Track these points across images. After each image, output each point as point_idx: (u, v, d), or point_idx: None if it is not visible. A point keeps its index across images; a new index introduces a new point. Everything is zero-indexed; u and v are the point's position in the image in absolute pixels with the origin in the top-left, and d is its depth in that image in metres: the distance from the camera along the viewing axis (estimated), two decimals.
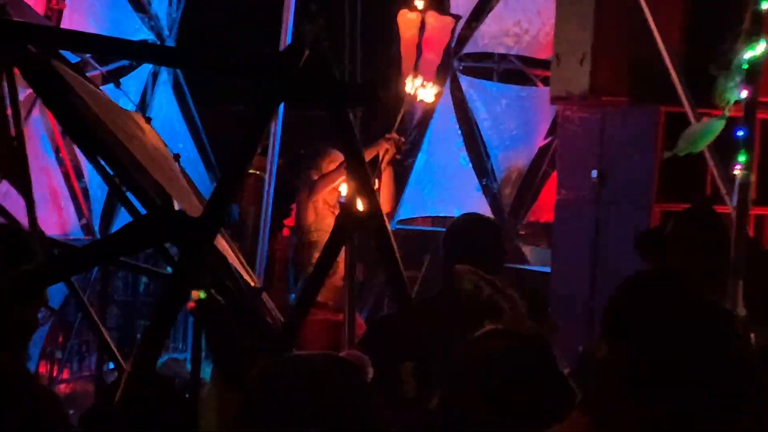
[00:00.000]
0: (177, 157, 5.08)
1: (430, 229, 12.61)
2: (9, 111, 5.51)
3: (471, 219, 5.64)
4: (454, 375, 2.64)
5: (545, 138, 12.66)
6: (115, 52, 5.59)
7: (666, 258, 4.92)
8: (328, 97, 3.20)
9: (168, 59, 5.21)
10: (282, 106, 8.76)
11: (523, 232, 12.91)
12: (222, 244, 4.52)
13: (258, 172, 10.52)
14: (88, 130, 3.68)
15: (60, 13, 10.79)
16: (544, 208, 12.35)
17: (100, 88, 5.80)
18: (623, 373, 2.27)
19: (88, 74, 6.23)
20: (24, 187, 5.75)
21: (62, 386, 11.18)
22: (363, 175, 3.38)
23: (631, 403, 2.24)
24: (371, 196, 3.43)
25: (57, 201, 10.57)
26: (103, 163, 4.09)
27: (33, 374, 2.74)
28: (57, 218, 10.50)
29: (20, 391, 2.70)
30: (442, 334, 3.46)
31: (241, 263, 4.82)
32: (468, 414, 2.58)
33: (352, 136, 3.33)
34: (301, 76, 3.09)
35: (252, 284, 4.65)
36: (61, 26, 10.57)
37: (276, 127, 9.42)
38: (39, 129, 10.31)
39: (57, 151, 10.65)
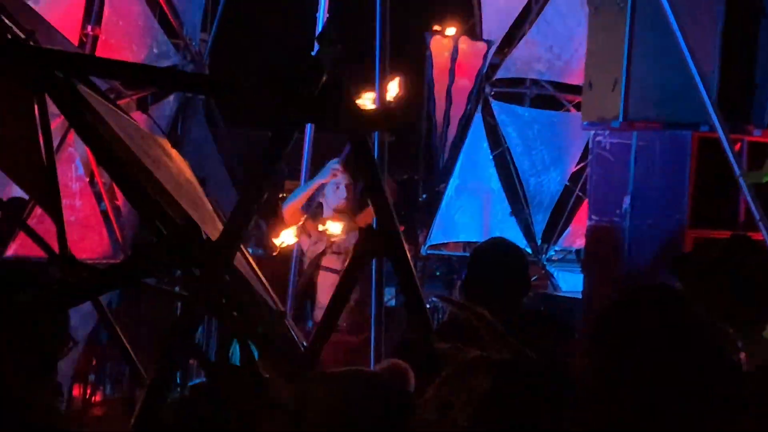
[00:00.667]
0: (203, 181, 5.10)
1: (462, 254, 12.59)
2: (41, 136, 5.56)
3: (493, 244, 5.53)
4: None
5: (578, 163, 12.64)
6: (135, 79, 5.64)
7: (704, 286, 4.77)
8: (346, 122, 3.21)
9: (188, 85, 5.23)
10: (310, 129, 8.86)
11: (555, 258, 12.88)
12: (244, 266, 4.53)
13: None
14: (113, 154, 3.71)
15: (95, 39, 10.90)
16: (577, 233, 12.31)
17: (130, 114, 5.84)
18: (599, 386, 2.25)
19: (118, 101, 6.30)
20: (55, 211, 5.78)
21: (95, 409, 11.22)
22: (382, 200, 3.39)
23: (607, 418, 2.21)
24: (391, 221, 3.43)
25: (91, 224, 10.64)
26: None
27: (55, 407, 2.76)
28: (90, 242, 10.57)
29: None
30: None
31: (264, 286, 4.83)
32: None
33: (370, 161, 3.34)
34: (318, 101, 3.10)
35: (274, 307, 4.65)
36: (96, 52, 10.69)
37: (305, 151, 9.46)
38: (73, 153, 10.40)
39: (91, 175, 10.73)
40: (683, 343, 2.24)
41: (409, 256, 3.46)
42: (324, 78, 3.16)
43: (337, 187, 9.10)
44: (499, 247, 5.39)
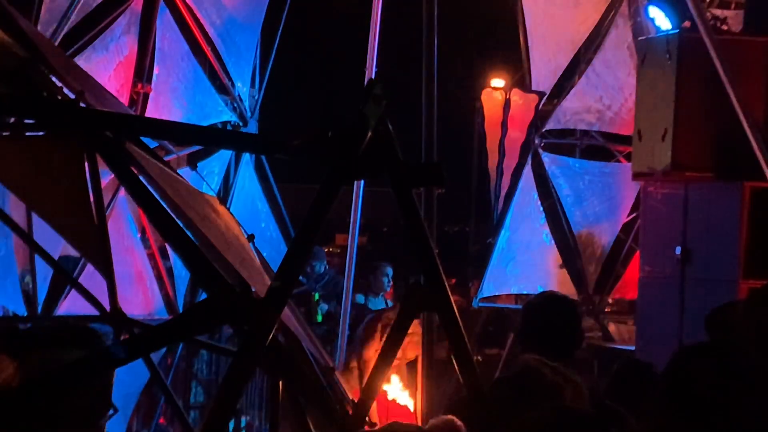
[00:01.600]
0: (251, 237, 5.12)
1: (514, 306, 12.53)
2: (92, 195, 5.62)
3: (546, 298, 5.55)
4: None
5: (629, 214, 12.57)
6: (182, 139, 5.70)
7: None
8: (391, 178, 3.21)
9: (235, 144, 5.27)
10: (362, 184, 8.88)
11: (608, 309, 12.78)
12: (293, 323, 4.54)
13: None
14: (163, 212, 3.73)
15: (146, 96, 11.03)
16: (630, 284, 12.21)
17: (178, 170, 5.90)
18: None
19: (166, 157, 6.35)
20: (106, 268, 5.83)
21: None
22: (428, 253, 3.38)
23: None
24: (437, 274, 3.42)
25: (142, 281, 10.71)
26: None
27: None
28: (142, 298, 10.63)
29: None
30: (505, 416, 3.42)
31: (313, 342, 4.83)
32: None
33: (415, 214, 3.34)
34: (363, 157, 3.11)
35: (324, 363, 4.65)
36: (147, 109, 10.82)
37: (357, 205, 9.50)
38: (125, 210, 10.49)
39: (142, 231, 10.82)
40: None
41: (455, 309, 3.44)
42: (369, 134, 3.17)
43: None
44: (551, 300, 5.40)
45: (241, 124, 11.40)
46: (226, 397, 2.96)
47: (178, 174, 5.37)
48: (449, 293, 3.45)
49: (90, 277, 8.60)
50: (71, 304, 9.85)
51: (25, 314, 9.48)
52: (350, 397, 4.66)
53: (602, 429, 2.57)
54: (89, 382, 3.13)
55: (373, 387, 3.96)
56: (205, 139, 4.59)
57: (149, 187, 3.95)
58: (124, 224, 10.52)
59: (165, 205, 3.90)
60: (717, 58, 8.67)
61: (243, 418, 11.62)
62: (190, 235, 3.85)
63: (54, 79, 4.45)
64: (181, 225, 3.89)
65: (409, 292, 3.52)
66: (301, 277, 11.00)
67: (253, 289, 3.95)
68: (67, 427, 2.74)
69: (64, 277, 8.60)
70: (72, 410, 3.07)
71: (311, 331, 4.97)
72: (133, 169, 3.96)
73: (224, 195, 11.10)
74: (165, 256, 10.93)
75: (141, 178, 3.99)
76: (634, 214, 12.07)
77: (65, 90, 4.61)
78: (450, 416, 4.71)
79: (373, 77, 10.30)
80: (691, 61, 9.12)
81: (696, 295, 9.07)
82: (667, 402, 2.35)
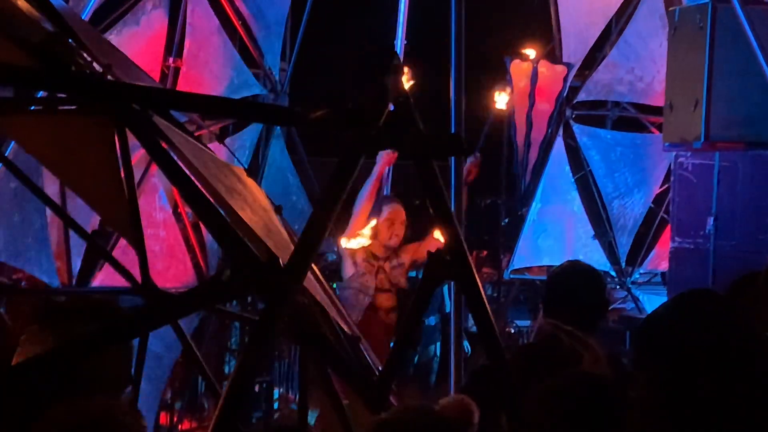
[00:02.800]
0: (279, 209, 5.16)
1: (545, 278, 12.51)
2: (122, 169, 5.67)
3: (568, 268, 5.51)
4: (527, 416, 2.65)
5: (662, 185, 12.53)
6: (209, 111, 5.73)
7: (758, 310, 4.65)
8: (412, 149, 3.24)
9: (260, 116, 5.30)
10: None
11: (640, 281, 12.77)
12: (320, 293, 4.57)
13: None
14: (191, 183, 3.78)
15: (176, 71, 11.09)
16: (662, 256, 12.19)
17: (209, 145, 5.94)
18: (661, 401, 2.24)
19: (196, 132, 6.39)
20: (137, 241, 5.88)
21: None
22: (450, 224, 3.41)
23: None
24: (460, 246, 3.44)
25: (175, 254, 10.78)
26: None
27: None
28: (176, 271, 10.71)
29: None
30: (525, 383, 3.44)
31: (339, 311, 4.87)
32: None
33: (438, 188, 3.36)
34: (383, 128, 3.14)
35: (349, 332, 4.69)
36: (178, 83, 10.87)
37: (387, 179, 9.52)
38: (157, 184, 10.56)
39: (175, 205, 10.88)
40: (725, 348, 2.24)
41: (477, 278, 3.46)
42: (390, 105, 3.19)
43: (392, 224, 9.11)
44: (574, 270, 5.41)
45: (272, 97, 11.43)
46: (247, 363, 3.00)
47: (207, 147, 5.42)
48: (471, 262, 3.48)
49: (124, 251, 8.69)
50: (105, 278, 9.95)
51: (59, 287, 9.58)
52: (378, 366, 4.70)
53: (620, 393, 2.57)
54: (111, 350, 3.18)
55: (398, 357, 4.01)
56: (229, 111, 4.62)
57: (177, 160, 3.99)
58: (157, 198, 10.59)
59: (192, 177, 3.95)
60: (749, 28, 8.61)
61: (276, 390, 11.70)
62: (217, 206, 3.90)
63: (83, 53, 4.50)
64: (208, 196, 3.94)
65: (431, 261, 3.56)
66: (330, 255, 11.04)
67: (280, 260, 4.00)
68: (86, 395, 2.79)
69: (98, 250, 8.68)
70: (92, 379, 3.11)
71: (338, 302, 5.00)
72: (161, 141, 4.01)
73: (255, 169, 11.15)
74: (197, 229, 11.00)
75: (168, 150, 4.03)
76: (666, 185, 12.04)
77: (94, 64, 4.66)
78: (461, 395, 4.73)
79: (401, 49, 10.31)
80: (723, 30, 9.06)
81: (728, 266, 9.04)
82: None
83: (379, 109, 3.15)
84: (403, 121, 3.24)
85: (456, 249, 3.42)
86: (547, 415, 2.58)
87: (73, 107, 4.93)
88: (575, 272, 5.35)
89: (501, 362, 3.57)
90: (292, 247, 4.75)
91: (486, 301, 3.48)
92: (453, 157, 6.26)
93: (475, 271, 3.47)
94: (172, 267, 10.71)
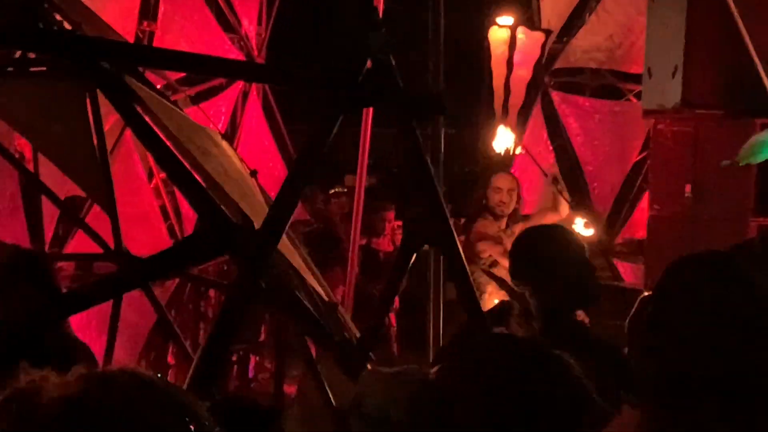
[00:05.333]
0: (254, 173, 5.08)
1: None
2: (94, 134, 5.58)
3: (535, 233, 4.51)
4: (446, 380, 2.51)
5: (639, 153, 12.49)
6: (183, 68, 5.61)
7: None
8: (391, 109, 3.16)
9: (237, 73, 5.21)
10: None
11: (617, 249, 12.74)
12: (297, 260, 4.49)
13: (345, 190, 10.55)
14: (163, 145, 3.69)
15: (151, 35, 10.96)
16: (639, 224, 12.16)
17: (184, 110, 5.85)
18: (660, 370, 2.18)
19: (174, 96, 6.29)
20: (109, 207, 5.80)
21: None
22: (430, 188, 3.33)
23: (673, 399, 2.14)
24: (440, 209, 3.37)
25: (150, 220, 10.68)
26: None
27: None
28: (150, 237, 10.60)
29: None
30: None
31: (317, 279, 4.79)
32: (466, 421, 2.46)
33: (417, 149, 3.28)
34: (363, 86, 3.06)
35: (327, 299, 4.62)
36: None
37: (365, 143, 9.40)
38: (131, 149, 10.44)
39: (150, 171, 10.77)
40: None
41: (458, 243, 3.39)
42: (369, 63, 3.12)
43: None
44: (540, 235, 4.50)
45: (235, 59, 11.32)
46: (223, 326, 2.93)
47: (180, 109, 5.33)
48: (451, 226, 3.41)
49: (97, 217, 8.58)
50: (78, 244, 9.84)
51: None
52: (355, 333, 4.63)
53: (549, 353, 2.47)
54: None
55: (376, 323, 3.94)
56: (207, 68, 4.53)
57: (149, 122, 3.90)
58: (130, 163, 10.47)
59: (166, 140, 3.86)
60: None
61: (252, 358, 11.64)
62: (190, 170, 3.81)
63: (52, 11, 4.40)
64: (181, 159, 3.85)
65: (412, 226, 3.49)
66: None
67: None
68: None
69: (70, 216, 8.58)
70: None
71: (315, 268, 4.93)
72: (133, 103, 3.92)
73: (232, 134, 11.06)
74: (173, 196, 10.90)
75: (141, 112, 3.94)
76: (645, 153, 12.00)
77: (65, 23, 4.56)
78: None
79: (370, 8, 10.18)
80: None
81: (705, 233, 9.01)
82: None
83: (358, 67, 3.07)
84: (383, 80, 3.16)
85: (436, 213, 3.35)
86: (471, 384, 2.40)
87: (43, 68, 4.83)
88: (543, 236, 4.41)
89: (482, 328, 3.52)
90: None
91: (466, 267, 3.42)
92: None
93: (456, 235, 3.40)
94: (147, 234, 10.60)
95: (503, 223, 8.89)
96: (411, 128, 3.20)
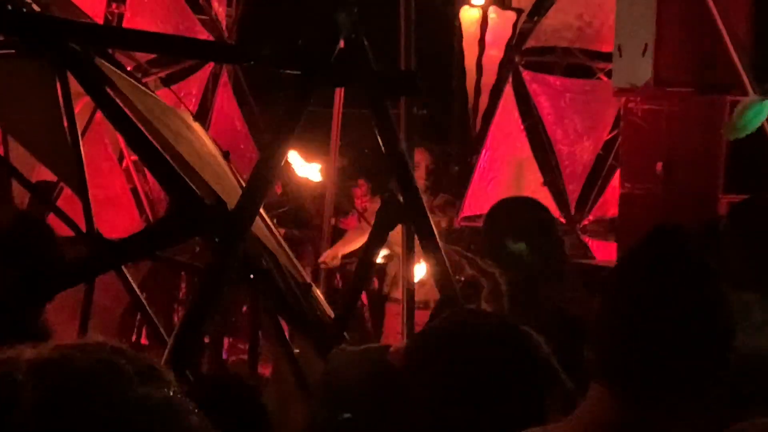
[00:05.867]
0: (227, 154, 5.06)
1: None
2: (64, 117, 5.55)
3: (506, 208, 4.50)
4: (412, 356, 2.49)
5: (610, 132, 12.54)
6: (154, 49, 5.59)
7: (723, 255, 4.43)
8: (363, 87, 3.15)
9: (208, 54, 5.19)
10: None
11: (589, 228, 12.79)
12: (271, 242, 4.49)
13: None
14: (134, 127, 3.68)
15: (120, 17, 10.90)
16: (611, 202, 12.21)
17: (155, 92, 5.82)
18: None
19: (144, 78, 6.26)
20: (80, 190, 5.77)
21: None
22: (402, 166, 3.33)
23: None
24: (411, 190, 3.37)
25: (121, 203, 10.64)
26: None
27: None
28: (122, 220, 10.56)
29: None
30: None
31: (291, 260, 4.79)
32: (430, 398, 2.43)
33: (390, 128, 3.28)
34: (335, 65, 3.05)
35: (300, 280, 4.62)
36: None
37: (336, 123, 9.38)
38: (102, 132, 10.38)
39: (120, 153, 10.73)
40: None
41: (431, 221, 3.40)
42: (341, 42, 3.11)
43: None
44: (512, 206, 4.53)
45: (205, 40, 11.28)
46: (199, 308, 2.92)
47: (151, 91, 5.30)
48: (424, 204, 3.42)
49: (69, 201, 8.54)
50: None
51: None
52: (329, 314, 4.63)
53: (516, 330, 2.46)
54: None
55: (350, 303, 3.95)
56: (175, 49, 4.51)
57: (120, 104, 3.88)
58: (101, 146, 10.41)
59: (136, 121, 3.84)
60: None
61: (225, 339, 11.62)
62: (162, 151, 3.80)
63: None
64: (153, 141, 3.83)
65: (385, 204, 3.49)
66: None
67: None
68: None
69: (41, 199, 8.53)
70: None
71: (288, 249, 4.92)
72: (104, 85, 3.90)
73: (203, 116, 11.01)
74: (144, 178, 10.87)
75: (111, 93, 3.92)
76: (615, 131, 12.04)
77: (33, 6, 4.52)
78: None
79: None
80: None
81: (677, 211, 9.04)
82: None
83: (330, 46, 3.06)
84: (355, 59, 3.16)
85: (408, 191, 3.35)
86: (437, 361, 2.36)
87: (11, 51, 4.79)
88: (515, 207, 4.44)
89: (454, 304, 3.53)
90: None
91: (440, 244, 3.42)
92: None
93: (427, 213, 3.41)
94: (119, 217, 10.56)
95: None
96: (384, 107, 3.20)
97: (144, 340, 10.74)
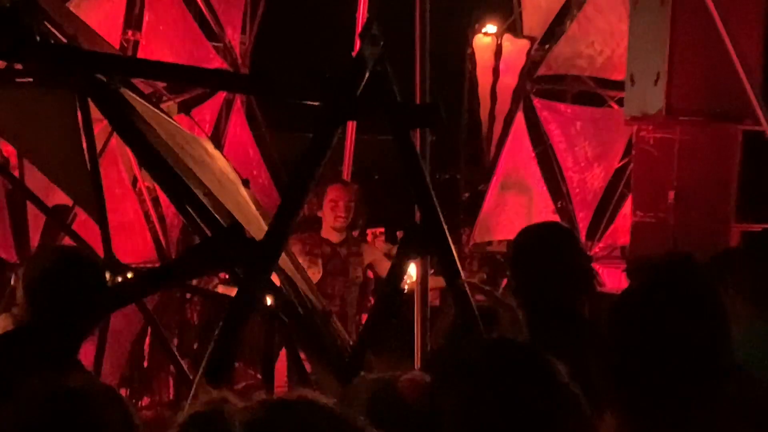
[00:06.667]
0: (246, 182, 5.09)
1: (505, 251, 12.52)
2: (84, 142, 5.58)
3: (536, 234, 4.27)
4: (437, 382, 2.51)
5: (621, 159, 12.56)
6: (175, 79, 5.64)
7: (738, 283, 4.44)
8: (388, 119, 3.19)
9: (230, 85, 5.22)
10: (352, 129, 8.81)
11: (600, 255, 12.80)
12: (290, 267, 4.52)
13: None
14: (156, 156, 3.71)
15: (136, 44, 10.96)
16: (621, 230, 12.22)
17: (173, 117, 5.86)
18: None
19: (161, 104, 6.30)
20: (99, 215, 5.81)
21: (142, 413, 11.24)
22: (427, 196, 3.36)
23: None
24: (435, 217, 3.40)
25: (135, 228, 10.66)
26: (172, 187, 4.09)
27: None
28: (134, 245, 10.59)
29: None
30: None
31: (310, 287, 4.81)
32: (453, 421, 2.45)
33: (413, 157, 3.31)
34: (360, 98, 3.08)
35: (321, 307, 4.64)
36: (137, 56, 10.74)
37: (350, 151, 9.44)
38: (116, 157, 10.43)
39: (134, 179, 10.77)
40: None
41: (454, 250, 3.43)
42: (366, 76, 3.14)
43: (335, 204, 8.62)
44: (541, 236, 4.27)
45: (231, 71, 11.33)
46: (226, 339, 2.95)
47: (172, 119, 5.34)
48: (447, 235, 3.44)
49: (84, 225, 8.57)
50: None
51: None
52: (349, 341, 4.66)
53: (537, 357, 2.48)
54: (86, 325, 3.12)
55: (370, 332, 3.97)
56: (197, 79, 4.55)
57: (143, 132, 3.92)
58: (116, 171, 10.45)
59: (159, 150, 3.88)
60: (710, 1, 8.62)
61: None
62: (185, 180, 3.83)
63: (46, 23, 4.41)
64: (176, 170, 3.87)
65: (408, 233, 3.51)
66: None
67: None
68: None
69: (58, 223, 8.57)
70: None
71: (307, 275, 4.94)
72: (127, 113, 3.94)
73: (216, 142, 11.04)
74: (157, 204, 10.89)
75: (134, 122, 3.96)
76: (626, 160, 12.06)
77: (58, 35, 4.56)
78: (418, 372, 4.60)
79: (364, 21, 10.21)
80: (684, 4, 9.05)
81: (688, 240, 9.06)
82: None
83: (356, 78, 3.09)
84: (381, 91, 3.19)
85: (432, 221, 3.38)
86: (454, 390, 2.38)
87: (29, 79, 4.83)
88: (544, 237, 4.22)
89: (475, 333, 3.55)
90: (261, 221, 4.70)
91: (461, 273, 3.45)
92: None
93: (450, 243, 3.43)
94: (132, 242, 10.59)
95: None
96: (408, 138, 3.23)
97: (155, 367, 10.77)
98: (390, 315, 3.97)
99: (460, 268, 3.43)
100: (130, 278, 4.42)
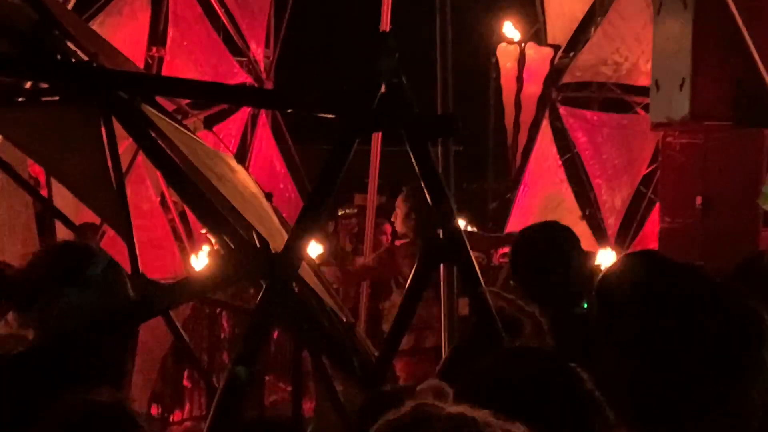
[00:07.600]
0: (270, 196, 5.11)
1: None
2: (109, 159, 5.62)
3: (531, 235, 4.30)
4: (462, 396, 2.51)
5: (648, 165, 12.53)
6: (198, 96, 5.69)
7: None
8: (405, 131, 3.20)
9: (251, 100, 5.24)
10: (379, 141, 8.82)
11: None
12: (312, 279, 4.53)
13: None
14: (179, 171, 3.74)
15: (160, 60, 11.04)
16: (650, 237, 12.19)
17: (197, 133, 5.89)
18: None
19: (185, 120, 6.34)
20: (126, 232, 5.83)
21: (174, 428, 11.26)
22: (446, 207, 3.37)
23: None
24: (454, 229, 3.41)
25: (162, 244, 10.73)
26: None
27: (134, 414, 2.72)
28: (163, 261, 10.65)
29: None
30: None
31: (333, 298, 4.82)
32: None
33: (431, 169, 3.32)
34: (377, 110, 3.10)
35: (343, 319, 4.65)
36: (162, 73, 10.82)
37: (375, 163, 9.43)
38: (143, 174, 10.50)
39: (162, 195, 10.83)
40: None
41: (474, 261, 3.43)
42: (383, 88, 3.15)
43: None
44: (538, 236, 4.31)
45: (256, 85, 11.40)
46: (247, 352, 2.97)
47: (194, 134, 5.37)
48: (467, 245, 3.45)
49: (111, 242, 8.63)
50: None
51: None
52: (374, 352, 4.66)
53: (562, 366, 2.48)
54: (110, 339, 3.14)
55: (393, 342, 3.97)
56: (220, 96, 4.57)
57: (165, 148, 3.95)
58: (143, 188, 10.52)
59: (181, 166, 3.90)
60: (733, 6, 8.60)
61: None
62: (207, 195, 3.85)
63: (68, 42, 4.45)
64: (198, 185, 3.89)
65: (428, 244, 3.52)
66: None
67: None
68: (87, 387, 2.74)
69: (86, 241, 8.62)
70: (93, 371, 3.06)
71: (332, 288, 4.96)
72: (149, 130, 3.96)
73: (242, 156, 11.11)
74: (185, 219, 10.95)
75: (157, 138, 3.98)
76: (653, 166, 12.03)
77: (79, 53, 4.60)
78: (438, 382, 4.60)
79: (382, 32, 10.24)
80: (707, 9, 9.04)
81: (716, 245, 9.03)
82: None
83: (372, 91, 3.11)
84: (397, 104, 3.20)
85: (452, 232, 3.38)
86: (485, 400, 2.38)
87: (55, 98, 4.87)
88: (541, 236, 4.24)
89: (498, 343, 3.54)
90: (284, 234, 4.72)
91: (482, 283, 3.45)
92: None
93: (471, 254, 3.44)
94: (159, 257, 10.64)
95: None
96: (426, 150, 3.24)
97: (186, 382, 10.80)
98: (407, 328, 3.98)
99: (480, 277, 3.44)
100: (153, 291, 4.45)
